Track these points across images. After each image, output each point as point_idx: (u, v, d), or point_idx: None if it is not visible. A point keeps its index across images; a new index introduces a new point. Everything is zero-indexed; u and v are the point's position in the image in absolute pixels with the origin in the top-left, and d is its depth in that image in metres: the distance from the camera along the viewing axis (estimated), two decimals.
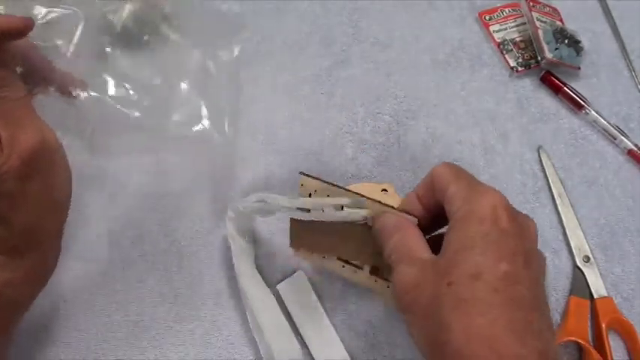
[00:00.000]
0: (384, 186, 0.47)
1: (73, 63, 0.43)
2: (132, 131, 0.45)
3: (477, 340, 0.30)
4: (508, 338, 0.30)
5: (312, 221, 0.44)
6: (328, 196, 0.42)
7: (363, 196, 0.41)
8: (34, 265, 0.36)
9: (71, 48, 0.43)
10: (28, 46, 0.40)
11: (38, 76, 0.41)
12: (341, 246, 0.44)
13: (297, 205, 0.42)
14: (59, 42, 0.43)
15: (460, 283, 0.31)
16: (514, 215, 0.34)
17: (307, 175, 0.43)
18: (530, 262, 0.33)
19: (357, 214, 0.40)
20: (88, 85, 0.43)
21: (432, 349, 0.33)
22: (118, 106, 0.43)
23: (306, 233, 0.45)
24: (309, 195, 0.43)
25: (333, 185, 0.42)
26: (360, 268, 0.45)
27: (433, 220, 0.39)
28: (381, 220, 0.39)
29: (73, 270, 0.49)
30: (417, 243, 0.36)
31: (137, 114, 0.44)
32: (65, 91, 0.42)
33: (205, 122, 0.46)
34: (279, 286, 0.48)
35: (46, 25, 0.43)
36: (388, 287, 0.43)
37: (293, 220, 0.45)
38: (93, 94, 0.43)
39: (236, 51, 0.51)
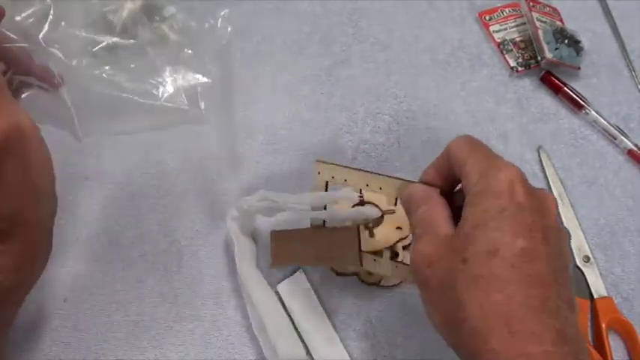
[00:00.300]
0: None
1: (45, 51, 0.43)
2: (113, 111, 0.45)
3: (493, 317, 0.30)
4: (525, 315, 0.30)
5: (294, 233, 0.44)
6: (345, 181, 0.41)
7: (381, 174, 0.40)
8: (21, 255, 0.36)
9: (41, 35, 0.43)
10: (4, 37, 0.40)
11: (16, 66, 0.41)
12: (327, 254, 0.44)
13: (302, 201, 0.42)
14: (30, 30, 0.43)
15: (476, 260, 0.31)
16: (532, 190, 0.33)
17: (322, 162, 0.42)
18: (549, 237, 0.32)
19: (371, 211, 0.40)
20: (64, 82, 0.43)
21: (449, 327, 0.33)
22: (97, 86, 0.44)
23: (289, 246, 0.44)
24: (326, 183, 0.42)
25: (352, 168, 0.41)
26: (379, 256, 0.44)
27: (451, 192, 0.38)
28: (408, 190, 0.38)
29: (73, 270, 0.49)
30: (441, 217, 0.35)
31: (116, 93, 0.44)
32: (46, 82, 0.42)
33: (182, 97, 0.46)
34: (279, 287, 0.48)
35: (15, 14, 0.43)
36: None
37: (274, 235, 0.44)
38: (69, 78, 0.43)
39: (220, 22, 0.50)
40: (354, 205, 0.46)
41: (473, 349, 0.31)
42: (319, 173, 0.42)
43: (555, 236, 0.33)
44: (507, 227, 0.31)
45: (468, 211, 0.33)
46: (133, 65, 0.46)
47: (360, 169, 0.41)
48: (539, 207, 0.33)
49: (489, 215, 0.32)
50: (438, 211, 0.36)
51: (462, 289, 0.31)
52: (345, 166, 0.41)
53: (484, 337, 0.30)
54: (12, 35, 0.42)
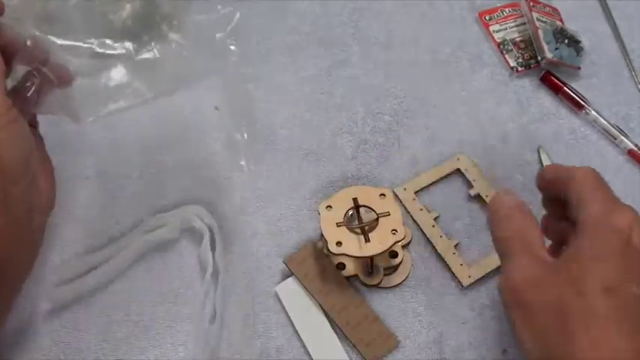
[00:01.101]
0: (383, 191, 0.47)
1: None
2: (113, 92, 0.45)
3: (605, 356, 0.30)
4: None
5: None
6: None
7: None
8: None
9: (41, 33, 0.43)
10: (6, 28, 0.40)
11: (31, 61, 0.41)
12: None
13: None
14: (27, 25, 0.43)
15: (593, 296, 0.31)
16: None
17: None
18: None
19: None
20: (78, 76, 0.43)
21: (547, 354, 0.31)
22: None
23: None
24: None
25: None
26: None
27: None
28: (498, 199, 0.36)
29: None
30: (536, 237, 0.34)
31: (118, 75, 0.44)
32: (59, 78, 0.42)
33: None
34: (277, 288, 0.48)
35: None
36: (461, 265, 0.47)
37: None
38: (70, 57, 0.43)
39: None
40: (349, 209, 0.46)
41: None
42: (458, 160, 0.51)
43: None
44: (628, 269, 0.31)
45: (584, 242, 0.32)
46: (133, 65, 0.46)
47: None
48: None
49: (608, 255, 0.31)
50: (532, 229, 0.34)
51: (575, 323, 0.30)
52: None
53: None
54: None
